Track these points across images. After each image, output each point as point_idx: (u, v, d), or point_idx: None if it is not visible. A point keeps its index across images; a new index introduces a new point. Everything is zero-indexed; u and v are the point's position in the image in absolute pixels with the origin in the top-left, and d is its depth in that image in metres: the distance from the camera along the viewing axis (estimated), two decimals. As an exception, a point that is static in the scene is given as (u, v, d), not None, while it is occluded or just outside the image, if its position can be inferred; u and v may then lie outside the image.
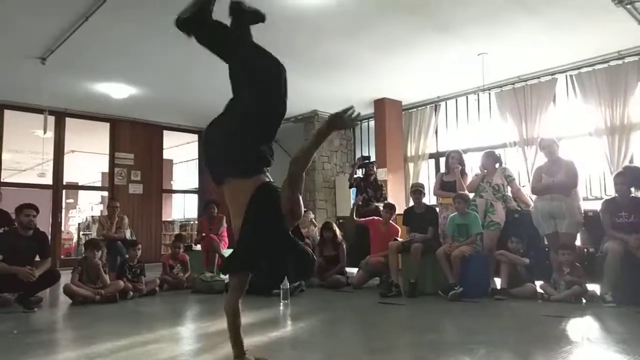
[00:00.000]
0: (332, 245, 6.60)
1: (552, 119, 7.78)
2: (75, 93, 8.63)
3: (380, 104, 9.42)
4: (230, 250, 2.60)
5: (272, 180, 2.57)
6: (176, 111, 10.18)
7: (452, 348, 3.34)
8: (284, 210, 2.35)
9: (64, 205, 11.36)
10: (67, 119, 9.92)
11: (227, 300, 2.68)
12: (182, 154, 13.50)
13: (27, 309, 4.90)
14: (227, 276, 5.95)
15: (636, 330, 3.77)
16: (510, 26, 6.11)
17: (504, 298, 5.08)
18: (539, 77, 7.82)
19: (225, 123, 2.57)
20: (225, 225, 7.53)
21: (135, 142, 10.79)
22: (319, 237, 6.96)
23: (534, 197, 5.69)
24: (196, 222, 12.01)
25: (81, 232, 14.38)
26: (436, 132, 9.48)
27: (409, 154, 9.63)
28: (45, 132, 9.51)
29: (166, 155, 11.69)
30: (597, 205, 5.52)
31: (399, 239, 6.11)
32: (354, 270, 6.70)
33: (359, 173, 8.28)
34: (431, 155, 9.48)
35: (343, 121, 2.35)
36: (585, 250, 5.48)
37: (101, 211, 14.01)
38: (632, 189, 5.15)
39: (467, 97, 8.90)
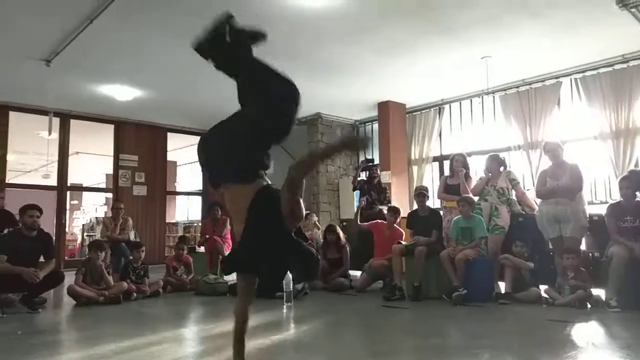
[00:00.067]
0: (336, 248, 6.59)
1: (557, 122, 7.76)
2: (80, 95, 8.66)
3: (384, 107, 9.42)
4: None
5: (270, 182, 2.57)
6: (180, 113, 10.20)
7: (456, 352, 3.33)
8: (284, 211, 2.35)
9: (68, 206, 11.38)
10: (72, 121, 9.94)
11: (237, 304, 2.67)
12: (186, 156, 13.51)
13: (31, 310, 4.93)
14: (230, 278, 5.97)
15: (641, 335, 3.75)
16: (514, 29, 6.10)
17: (508, 302, 5.06)
18: (543, 81, 7.81)
19: (229, 130, 2.57)
20: (229, 227, 7.54)
21: (140, 144, 10.82)
22: (322, 240, 6.96)
23: (538, 200, 5.68)
24: (200, 224, 12.04)
25: (85, 234, 14.41)
26: (440, 135, 9.47)
27: (413, 157, 9.62)
28: (50, 134, 9.54)
29: (170, 157, 11.71)
30: (602, 210, 5.49)
31: (403, 242, 6.10)
32: (358, 273, 6.69)
33: (363, 176, 8.28)
34: (435, 158, 9.46)
35: (357, 144, 2.40)
36: (590, 254, 5.45)
37: (105, 212, 14.05)
38: (638, 193, 5.12)
39: (471, 100, 8.88)
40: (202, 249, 7.70)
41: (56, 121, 9.63)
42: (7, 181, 9.43)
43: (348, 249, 6.62)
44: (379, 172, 8.14)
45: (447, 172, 6.73)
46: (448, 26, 6.01)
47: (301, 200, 2.43)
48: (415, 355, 3.39)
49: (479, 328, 4.14)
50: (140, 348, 3.47)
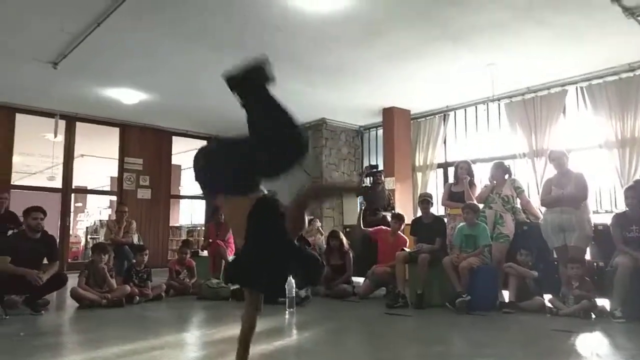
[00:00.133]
0: (339, 254, 6.57)
1: (562, 130, 7.74)
2: (86, 98, 8.70)
3: (389, 113, 9.42)
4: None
5: (268, 191, 2.59)
6: (185, 117, 10.23)
7: (459, 361, 3.31)
8: (287, 224, 2.37)
9: (72, 208, 11.41)
10: (78, 123, 9.98)
11: (245, 310, 2.67)
12: (190, 160, 13.45)
13: (34, 312, 4.94)
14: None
15: (646, 346, 3.72)
16: (520, 37, 6.10)
17: (512, 311, 5.03)
18: (548, 89, 7.80)
19: (232, 148, 2.62)
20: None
21: (145, 147, 10.85)
22: (325, 246, 6.94)
23: (543, 209, 5.66)
24: (203, 228, 12.05)
25: (89, 236, 14.43)
26: (445, 142, 9.46)
27: (417, 164, 9.60)
28: (55, 136, 9.60)
29: (175, 160, 11.74)
30: (607, 219, 5.47)
31: (407, 249, 6.08)
32: (361, 279, 6.67)
33: (367, 182, 8.27)
34: (439, 165, 9.44)
35: (370, 195, 2.45)
36: (595, 264, 5.41)
37: (109, 215, 14.09)
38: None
39: (476, 107, 8.87)
40: (205, 253, 7.69)
41: (62, 123, 9.68)
42: (12, 183, 9.46)
43: (351, 255, 6.60)
44: (383, 178, 8.13)
45: (451, 179, 6.71)
46: (454, 33, 6.02)
47: (305, 215, 2.46)
48: (418, 363, 3.38)
49: (482, 337, 4.12)
50: (143, 352, 3.46)
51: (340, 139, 10.61)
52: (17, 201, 7.78)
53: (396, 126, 9.36)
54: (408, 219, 6.94)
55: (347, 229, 8.37)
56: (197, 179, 2.72)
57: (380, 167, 9.17)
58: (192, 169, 2.76)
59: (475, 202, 5.90)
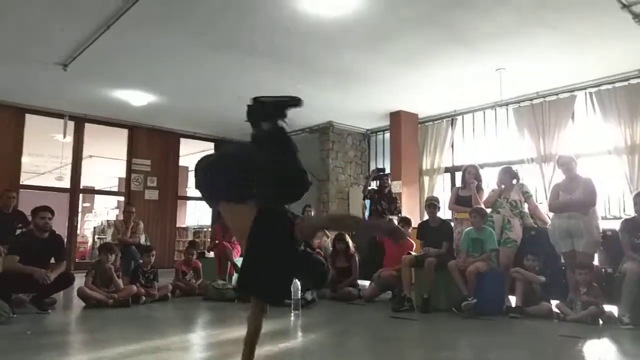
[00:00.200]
0: (345, 257, 6.56)
1: (571, 136, 7.70)
2: (96, 99, 8.76)
3: (396, 117, 9.41)
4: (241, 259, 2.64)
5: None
6: (193, 120, 10.27)
7: (465, 365, 3.30)
8: (297, 232, 2.38)
9: (80, 208, 11.48)
10: (87, 125, 10.06)
11: (251, 313, 2.67)
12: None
13: (41, 311, 4.96)
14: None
15: (655, 353, 3.69)
16: (529, 42, 6.08)
17: (518, 316, 5.00)
18: (557, 94, 7.76)
19: (237, 157, 2.68)
20: (238, 233, 7.53)
21: (153, 148, 10.91)
22: (331, 249, 6.94)
23: (551, 214, 5.62)
24: (210, 229, 12.08)
25: (96, 236, 14.51)
26: (452, 146, 9.44)
27: (424, 167, 9.58)
28: (64, 137, 9.67)
29: (182, 162, 11.79)
30: (615, 225, 5.42)
31: (413, 253, 6.07)
32: (366, 283, 6.66)
33: (373, 185, 8.25)
34: (447, 169, 9.42)
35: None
36: (603, 270, 5.37)
37: (117, 216, 14.15)
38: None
39: (484, 112, 8.85)
40: (211, 254, 7.70)
41: (71, 124, 9.75)
42: (21, 182, 9.54)
43: (357, 258, 6.59)
44: (389, 181, 8.11)
45: (458, 184, 6.69)
46: (463, 37, 6.01)
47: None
48: (423, 367, 3.36)
49: (488, 341, 4.10)
50: (148, 352, 3.47)
51: (347, 142, 10.61)
52: (25, 201, 7.84)
53: (403, 130, 9.35)
54: (414, 223, 6.93)
55: (353, 232, 8.36)
56: (197, 187, 2.75)
57: (387, 171, 9.15)
58: (195, 178, 2.79)
59: (482, 206, 5.88)
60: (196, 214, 15.16)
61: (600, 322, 4.73)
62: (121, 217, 8.77)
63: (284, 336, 4.17)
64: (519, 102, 8.17)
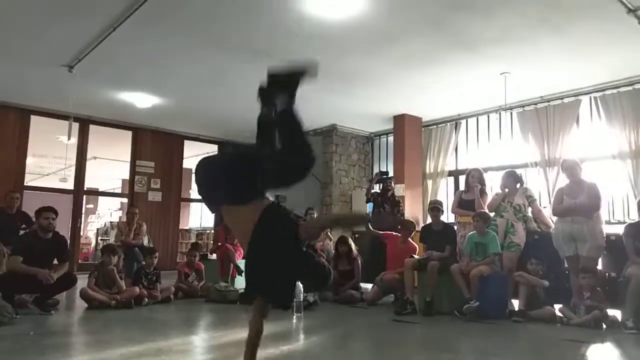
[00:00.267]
0: (347, 259, 6.55)
1: (575, 140, 7.68)
2: (100, 101, 8.80)
3: (400, 120, 9.41)
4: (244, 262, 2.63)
5: (276, 197, 2.60)
6: (197, 122, 10.30)
7: (468, 369, 3.28)
8: (302, 234, 2.37)
9: (83, 210, 11.51)
10: (91, 126, 10.10)
11: (252, 316, 2.66)
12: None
13: (43, 311, 4.97)
14: (240, 286, 5.98)
15: (659, 359, 3.67)
16: (534, 46, 6.07)
17: (521, 320, 4.98)
18: (562, 98, 7.75)
19: (238, 157, 2.66)
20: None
21: (157, 150, 10.94)
22: (334, 251, 6.93)
23: (554, 218, 5.61)
24: (212, 231, 12.08)
25: (99, 238, 14.54)
26: (456, 150, 9.42)
27: (427, 171, 9.58)
28: (69, 139, 9.66)
29: (186, 164, 11.81)
30: (619, 229, 5.40)
31: (416, 256, 6.06)
32: (369, 285, 6.64)
33: (377, 188, 8.25)
34: (450, 173, 9.41)
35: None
36: (607, 274, 5.35)
37: (120, 217, 14.17)
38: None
39: (488, 116, 8.84)
40: (214, 256, 7.71)
41: (75, 126, 9.75)
42: (25, 184, 9.58)
43: (360, 261, 6.58)
44: (392, 184, 8.10)
45: (462, 187, 6.68)
46: (468, 41, 6.01)
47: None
48: (425, 370, 3.35)
49: (491, 345, 4.08)
50: (150, 354, 3.47)
51: (351, 145, 10.61)
52: (29, 202, 7.86)
53: (407, 133, 9.35)
54: (418, 226, 6.92)
55: (356, 235, 8.35)
56: (199, 191, 2.73)
57: (390, 174, 9.15)
58: (195, 181, 2.77)
59: (486, 210, 5.86)
60: (199, 216, 15.18)
61: (604, 326, 4.71)
62: (124, 219, 8.78)
63: (286, 338, 4.17)
64: (523, 106, 8.17)
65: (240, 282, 6.50)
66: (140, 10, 5.29)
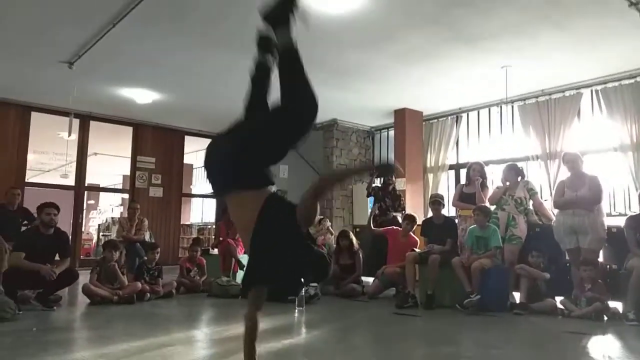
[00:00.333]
0: (349, 253, 6.57)
1: (577, 133, 7.66)
2: (101, 97, 8.79)
3: (401, 114, 9.40)
4: (246, 257, 2.59)
5: (277, 190, 2.57)
6: (198, 117, 10.29)
7: (469, 362, 3.29)
8: (299, 215, 2.34)
9: (85, 206, 11.53)
10: (92, 122, 10.10)
11: (247, 310, 2.62)
12: (202, 159, 13.62)
13: (46, 307, 4.98)
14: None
15: (660, 350, 3.67)
16: (535, 39, 6.04)
17: (523, 312, 5.00)
18: (563, 92, 7.72)
19: (240, 138, 2.55)
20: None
21: (157, 146, 10.94)
22: (335, 245, 6.94)
23: (555, 211, 5.61)
24: (214, 226, 12.11)
25: (101, 233, 14.58)
26: (457, 144, 9.41)
27: (428, 165, 9.56)
28: (69, 135, 9.67)
29: (187, 160, 11.81)
30: (621, 222, 5.41)
31: (417, 250, 6.06)
32: (370, 279, 6.66)
33: (377, 182, 8.25)
34: (451, 167, 9.40)
35: (383, 170, 2.43)
36: (608, 267, 5.36)
37: (121, 213, 14.21)
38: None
39: (489, 110, 8.82)
40: (215, 251, 7.72)
41: (76, 122, 9.75)
42: (26, 180, 9.59)
43: (361, 254, 6.60)
44: (393, 179, 8.09)
45: (463, 181, 6.68)
46: (469, 35, 5.99)
47: (318, 207, 2.42)
48: (427, 363, 3.36)
49: (492, 338, 4.09)
50: (152, 349, 3.48)
51: (352, 139, 10.60)
52: (31, 198, 7.87)
53: (408, 127, 9.33)
54: (419, 220, 6.92)
55: (357, 229, 8.37)
56: (208, 176, 2.68)
57: (391, 168, 9.13)
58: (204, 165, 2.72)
59: (486, 203, 5.87)
60: (200, 211, 15.22)
61: (605, 318, 4.72)
62: (126, 215, 8.80)
63: (287, 332, 4.19)
64: (524, 100, 8.14)
65: (242, 277, 6.51)
66: (140, 7, 5.27)
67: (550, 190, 7.26)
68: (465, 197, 6.18)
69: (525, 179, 6.08)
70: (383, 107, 9.21)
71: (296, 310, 5.04)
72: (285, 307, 5.10)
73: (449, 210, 7.16)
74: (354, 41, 6.23)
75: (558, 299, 5.16)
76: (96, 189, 16.18)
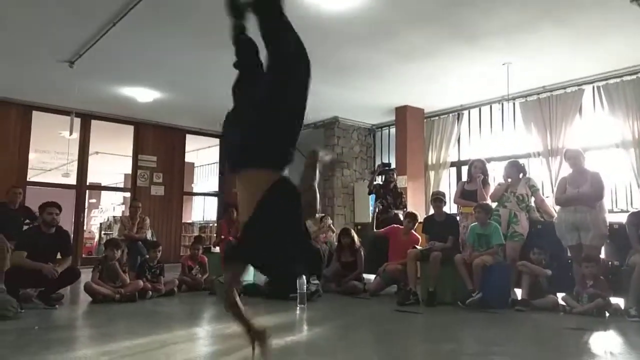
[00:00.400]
0: (350, 251, 6.57)
1: (578, 130, 7.65)
2: (102, 96, 8.80)
3: (402, 112, 9.39)
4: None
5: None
6: (199, 116, 10.29)
7: (471, 359, 3.29)
8: (304, 202, 2.31)
9: (86, 205, 11.55)
10: (93, 121, 10.12)
11: (225, 298, 2.52)
12: (203, 158, 13.65)
13: (48, 306, 5.00)
14: (249, 279, 6.00)
15: (662, 346, 3.67)
16: (536, 36, 6.03)
17: (524, 309, 4.99)
18: (564, 88, 7.71)
19: (260, 113, 2.54)
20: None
21: (159, 145, 10.95)
22: (336, 243, 6.94)
23: (557, 208, 5.60)
24: (215, 224, 12.13)
25: (103, 232, 14.60)
26: (458, 141, 9.40)
27: (430, 162, 9.56)
28: (71, 134, 9.69)
29: (188, 158, 11.83)
30: (622, 218, 5.40)
31: (418, 247, 6.06)
32: (372, 276, 6.66)
33: (379, 180, 8.24)
34: (453, 164, 9.39)
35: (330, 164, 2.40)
36: (610, 263, 5.35)
37: (123, 211, 14.23)
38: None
39: (490, 106, 8.80)
40: (217, 249, 7.74)
41: (77, 121, 9.78)
42: (28, 179, 9.61)
43: (362, 252, 6.60)
44: (395, 176, 8.09)
45: (465, 178, 6.67)
46: (470, 32, 5.98)
47: (317, 194, 2.39)
48: (428, 360, 3.36)
49: (494, 335, 4.09)
50: (154, 346, 3.49)
51: (353, 137, 10.60)
52: (32, 197, 7.90)
53: (409, 125, 9.33)
54: (420, 217, 6.92)
55: (359, 227, 8.37)
56: (225, 149, 2.63)
57: (393, 166, 9.13)
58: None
59: (488, 201, 5.86)
60: (202, 209, 15.24)
61: (607, 314, 4.72)
62: (127, 213, 8.81)
63: (289, 329, 4.18)
64: (526, 97, 8.13)
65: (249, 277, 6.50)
66: (141, 5, 5.27)
67: (552, 187, 7.24)
68: (466, 194, 6.17)
69: (527, 175, 6.07)
70: (384, 104, 9.20)
71: (298, 308, 5.05)
72: (287, 305, 5.11)
73: (450, 208, 7.16)
74: (355, 39, 6.22)
75: (560, 295, 5.16)
76: (98, 187, 16.21)
